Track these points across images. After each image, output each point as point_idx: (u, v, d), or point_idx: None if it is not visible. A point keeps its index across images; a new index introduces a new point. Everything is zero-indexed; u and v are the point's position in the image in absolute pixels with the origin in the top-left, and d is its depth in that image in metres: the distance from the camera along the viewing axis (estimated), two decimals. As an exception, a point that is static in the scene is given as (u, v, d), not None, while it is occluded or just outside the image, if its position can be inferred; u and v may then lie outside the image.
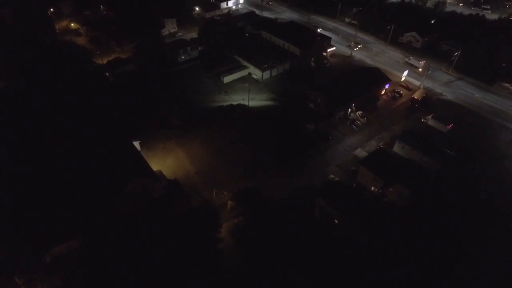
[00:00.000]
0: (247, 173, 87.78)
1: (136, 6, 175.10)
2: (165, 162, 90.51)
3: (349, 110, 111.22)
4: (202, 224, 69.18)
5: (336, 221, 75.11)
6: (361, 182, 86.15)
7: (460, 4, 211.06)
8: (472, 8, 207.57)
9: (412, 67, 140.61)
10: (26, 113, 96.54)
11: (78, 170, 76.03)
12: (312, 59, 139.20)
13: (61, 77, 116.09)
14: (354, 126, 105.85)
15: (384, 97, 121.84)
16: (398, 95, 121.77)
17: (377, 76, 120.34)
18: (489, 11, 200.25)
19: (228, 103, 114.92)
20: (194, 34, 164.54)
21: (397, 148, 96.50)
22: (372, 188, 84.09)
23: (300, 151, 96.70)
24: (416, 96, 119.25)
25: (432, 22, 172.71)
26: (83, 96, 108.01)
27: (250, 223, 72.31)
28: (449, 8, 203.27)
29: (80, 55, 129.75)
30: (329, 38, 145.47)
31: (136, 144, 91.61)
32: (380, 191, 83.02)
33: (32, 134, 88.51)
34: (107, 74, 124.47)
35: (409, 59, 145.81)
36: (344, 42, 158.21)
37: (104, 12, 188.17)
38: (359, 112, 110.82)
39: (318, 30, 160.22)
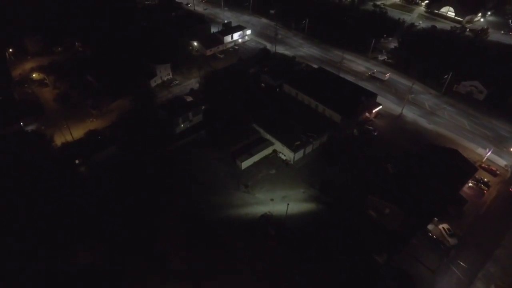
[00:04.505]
0: None
1: (119, 45, 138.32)
2: None
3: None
4: None
5: None
6: None
7: (511, 33, 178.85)
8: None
9: (377, 81, 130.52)
10: None
11: None
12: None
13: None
14: (454, 268, 70.57)
15: (465, 190, 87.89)
16: (485, 187, 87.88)
17: (459, 164, 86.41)
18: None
19: (251, 210, 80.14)
20: (193, 82, 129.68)
21: (524, 306, 62.85)
22: None
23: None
24: None
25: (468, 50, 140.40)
26: (30, 215, 71.79)
27: None
28: (491, 37, 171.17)
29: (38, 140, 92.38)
30: (375, 95, 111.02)
31: (117, 327, 55.88)
32: None
33: None
34: (76, 162, 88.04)
35: (374, 72, 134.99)
36: (391, 95, 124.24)
37: (80, 49, 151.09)
38: (445, 226, 76.48)
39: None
